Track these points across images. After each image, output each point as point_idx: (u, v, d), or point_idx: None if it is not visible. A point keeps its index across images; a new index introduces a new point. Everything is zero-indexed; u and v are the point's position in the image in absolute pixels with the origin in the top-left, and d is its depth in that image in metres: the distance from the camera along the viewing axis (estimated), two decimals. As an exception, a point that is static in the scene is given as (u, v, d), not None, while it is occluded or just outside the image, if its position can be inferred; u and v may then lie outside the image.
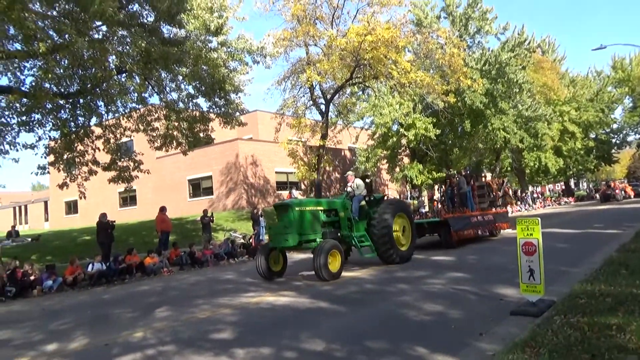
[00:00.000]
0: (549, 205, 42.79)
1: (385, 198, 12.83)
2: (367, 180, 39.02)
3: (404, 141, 29.67)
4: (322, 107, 22.98)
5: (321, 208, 10.83)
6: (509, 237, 14.64)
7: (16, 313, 9.42)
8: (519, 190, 42.25)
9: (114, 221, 15.80)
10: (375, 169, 32.54)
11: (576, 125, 41.20)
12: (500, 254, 11.62)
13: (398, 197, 29.88)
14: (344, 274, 10.05)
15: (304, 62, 21.52)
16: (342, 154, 37.30)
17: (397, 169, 31.75)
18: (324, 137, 22.37)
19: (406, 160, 32.85)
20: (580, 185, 77.59)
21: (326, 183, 34.83)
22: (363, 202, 11.68)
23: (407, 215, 12.17)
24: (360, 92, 26.84)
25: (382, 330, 5.52)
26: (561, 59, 45.51)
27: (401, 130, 27.87)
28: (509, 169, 45.13)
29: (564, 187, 57.94)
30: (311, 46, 21.58)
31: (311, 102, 23.15)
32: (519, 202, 37.35)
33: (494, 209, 17.15)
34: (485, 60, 27.74)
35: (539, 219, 5.74)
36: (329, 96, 22.49)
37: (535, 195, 44.24)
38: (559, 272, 7.91)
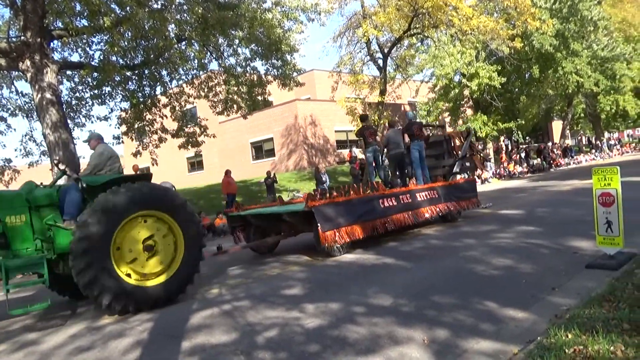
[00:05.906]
0: (627, 152, 39.82)
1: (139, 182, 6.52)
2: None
3: (466, 92, 28.49)
4: (380, 62, 22.45)
5: None
6: (584, 187, 13.89)
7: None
8: (594, 138, 39.66)
9: None
10: (437, 123, 31.65)
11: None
12: (573, 206, 11.07)
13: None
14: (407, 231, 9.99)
15: (359, 15, 20.96)
16: (402, 109, 36.46)
17: (460, 122, 30.69)
18: (382, 92, 21.94)
19: (469, 112, 31.62)
20: (665, 128, 71.37)
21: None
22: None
23: (171, 212, 6.31)
24: (419, 44, 25.83)
25: (449, 285, 5.50)
26: (644, -10, 41.16)
27: (463, 80, 26.72)
28: (582, 115, 42.29)
29: (645, 131, 53.79)
30: (366, -2, 20.93)
31: (368, 57, 22.65)
32: (593, 150, 35.19)
33: (457, 178, 11.90)
34: (555, -3, 25.66)
35: (618, 167, 5.39)
36: (386, 50, 21.88)
37: (612, 142, 41.40)
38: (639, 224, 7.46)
